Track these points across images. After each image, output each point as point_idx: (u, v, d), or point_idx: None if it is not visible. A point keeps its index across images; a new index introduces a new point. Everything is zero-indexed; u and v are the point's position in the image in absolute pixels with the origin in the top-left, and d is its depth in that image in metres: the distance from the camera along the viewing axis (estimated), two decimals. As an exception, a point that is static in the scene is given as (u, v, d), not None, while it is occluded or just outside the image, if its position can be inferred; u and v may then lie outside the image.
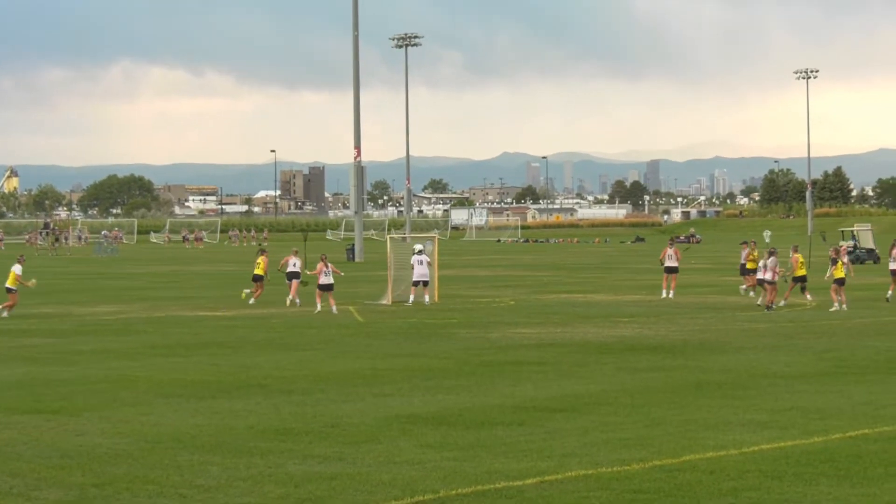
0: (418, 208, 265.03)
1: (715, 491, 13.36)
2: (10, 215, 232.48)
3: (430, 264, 42.59)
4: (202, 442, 16.36)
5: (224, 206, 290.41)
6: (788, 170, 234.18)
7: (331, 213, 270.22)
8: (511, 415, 18.41)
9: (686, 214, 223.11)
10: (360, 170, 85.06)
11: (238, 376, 23.13)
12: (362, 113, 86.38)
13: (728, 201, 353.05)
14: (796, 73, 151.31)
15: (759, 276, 39.71)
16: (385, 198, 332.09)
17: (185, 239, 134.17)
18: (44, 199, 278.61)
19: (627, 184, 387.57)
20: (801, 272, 39.74)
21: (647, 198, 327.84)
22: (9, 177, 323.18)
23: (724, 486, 13.54)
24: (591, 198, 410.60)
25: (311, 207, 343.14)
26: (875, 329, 32.04)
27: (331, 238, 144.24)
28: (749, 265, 43.64)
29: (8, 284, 38.15)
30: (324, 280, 38.85)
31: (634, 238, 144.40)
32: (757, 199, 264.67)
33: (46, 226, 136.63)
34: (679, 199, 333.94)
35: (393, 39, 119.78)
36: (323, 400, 20.01)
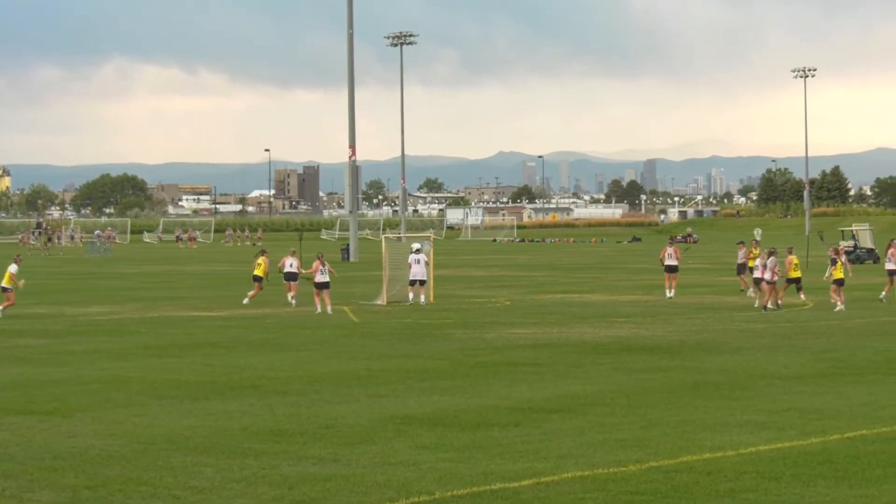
0: (413, 208, 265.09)
1: (712, 492, 13.32)
2: (3, 215, 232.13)
3: (427, 264, 42.52)
4: (196, 443, 16.30)
5: (218, 206, 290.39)
6: (786, 169, 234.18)
7: (325, 213, 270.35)
8: (507, 416, 18.35)
9: (683, 214, 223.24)
10: (354, 169, 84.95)
11: (232, 377, 23.06)
12: (357, 112, 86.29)
13: (725, 201, 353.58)
14: (794, 71, 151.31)
15: (757, 275, 39.67)
16: (380, 197, 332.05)
17: (178, 239, 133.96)
18: (36, 199, 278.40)
19: (624, 183, 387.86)
20: (796, 274, 39.64)
21: (643, 197, 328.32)
22: (0, 176, 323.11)
23: (722, 488, 13.49)
24: (587, 197, 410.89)
25: (305, 207, 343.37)
26: (873, 329, 31.98)
27: (325, 238, 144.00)
28: (751, 264, 43.59)
29: (4, 283, 38.19)
30: (320, 278, 38.81)
31: (631, 238, 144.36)
32: (754, 198, 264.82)
33: (39, 225, 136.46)
34: (676, 199, 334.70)
35: (388, 38, 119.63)
36: (317, 401, 19.95)
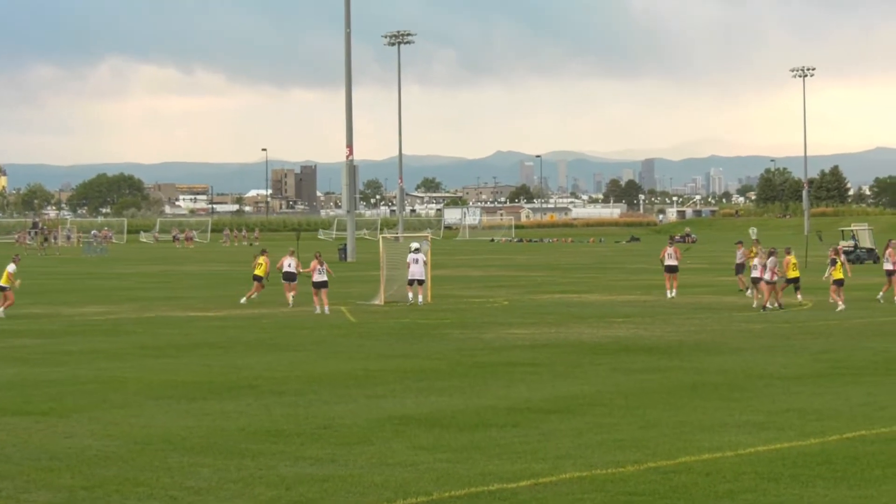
0: (411, 207, 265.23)
1: (711, 493, 13.28)
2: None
3: (425, 263, 42.49)
4: (193, 443, 16.25)
5: (215, 206, 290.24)
6: (785, 169, 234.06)
7: (323, 213, 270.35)
8: (505, 416, 18.31)
9: (681, 214, 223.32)
10: (352, 169, 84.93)
11: (229, 377, 23.01)
12: (355, 111, 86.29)
13: (724, 200, 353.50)
14: (793, 70, 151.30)
15: (755, 274, 39.64)
16: (377, 197, 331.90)
17: (175, 238, 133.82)
18: (32, 199, 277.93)
19: (622, 183, 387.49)
20: (794, 274, 39.63)
21: (642, 197, 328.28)
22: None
23: (720, 489, 13.46)
24: (585, 197, 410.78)
25: (302, 207, 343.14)
26: (872, 330, 31.95)
27: (323, 238, 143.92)
28: (750, 263, 43.50)
29: (1, 283, 38.09)
30: (317, 278, 38.78)
31: (629, 238, 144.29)
32: (753, 198, 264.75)
33: (35, 225, 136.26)
34: (674, 199, 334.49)
35: (385, 37, 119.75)
36: (315, 401, 19.90)
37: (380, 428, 17.34)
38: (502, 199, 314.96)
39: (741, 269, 45.93)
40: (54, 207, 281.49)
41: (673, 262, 44.62)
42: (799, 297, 40.04)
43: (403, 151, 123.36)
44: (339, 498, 13.21)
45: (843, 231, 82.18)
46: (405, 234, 62.46)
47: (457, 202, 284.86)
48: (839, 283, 38.36)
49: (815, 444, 15.95)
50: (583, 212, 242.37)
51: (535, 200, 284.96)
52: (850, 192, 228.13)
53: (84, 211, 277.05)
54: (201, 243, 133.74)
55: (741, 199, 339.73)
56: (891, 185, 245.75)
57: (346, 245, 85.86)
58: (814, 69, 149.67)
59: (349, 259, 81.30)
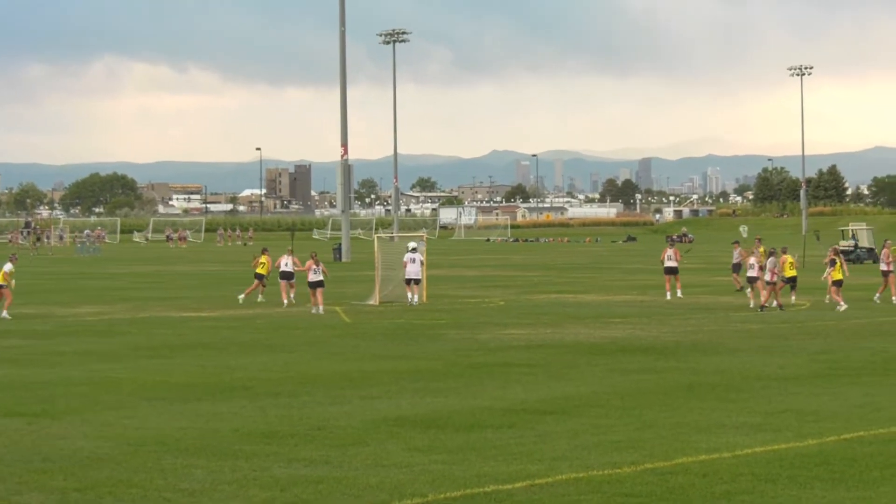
0: (406, 207, 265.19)
1: (708, 494, 13.25)
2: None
3: (422, 263, 42.46)
4: (186, 445, 16.18)
5: (209, 205, 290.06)
6: (782, 168, 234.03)
7: (317, 212, 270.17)
8: (500, 417, 18.25)
9: (678, 213, 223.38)
10: (346, 168, 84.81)
11: (223, 378, 22.93)
12: (349, 110, 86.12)
13: (721, 200, 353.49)
14: (790, 69, 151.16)
15: (751, 274, 39.62)
16: (372, 196, 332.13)
17: (168, 238, 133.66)
18: (25, 198, 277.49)
19: (619, 182, 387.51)
20: (791, 273, 39.59)
21: (638, 196, 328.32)
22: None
23: (717, 490, 13.42)
24: (581, 196, 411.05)
25: (297, 206, 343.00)
26: (870, 330, 31.91)
27: (317, 237, 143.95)
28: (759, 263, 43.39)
29: None
30: (313, 277, 38.77)
31: (626, 237, 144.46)
32: (750, 197, 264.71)
33: (28, 225, 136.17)
34: (671, 198, 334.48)
35: (380, 35, 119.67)
36: (309, 402, 19.83)
37: (375, 429, 17.27)
38: (498, 199, 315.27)
39: (738, 268, 45.92)
40: (47, 207, 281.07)
41: (672, 264, 44.49)
42: (793, 298, 39.96)
43: (398, 150, 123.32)
44: (334, 499, 13.17)
45: (843, 231, 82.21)
46: (400, 234, 62.37)
47: (452, 202, 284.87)
48: (838, 283, 38.29)
49: (812, 445, 15.90)
50: (579, 211, 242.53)
51: (531, 200, 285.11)
52: (848, 192, 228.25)
53: (77, 210, 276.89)
54: (195, 243, 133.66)
55: (738, 198, 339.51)
56: (889, 184, 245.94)
57: (340, 245, 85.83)
58: (811, 68, 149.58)
59: (344, 259, 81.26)
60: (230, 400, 20.13)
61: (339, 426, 17.53)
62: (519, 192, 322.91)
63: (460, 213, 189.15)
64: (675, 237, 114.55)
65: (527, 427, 17.40)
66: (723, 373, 23.37)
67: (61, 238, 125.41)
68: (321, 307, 38.19)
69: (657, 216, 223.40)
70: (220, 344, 29.41)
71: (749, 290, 40.59)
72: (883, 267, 41.54)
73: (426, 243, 47.04)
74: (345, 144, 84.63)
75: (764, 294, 38.17)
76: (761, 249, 41.94)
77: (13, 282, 38.55)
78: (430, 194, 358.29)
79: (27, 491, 13.65)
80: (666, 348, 27.71)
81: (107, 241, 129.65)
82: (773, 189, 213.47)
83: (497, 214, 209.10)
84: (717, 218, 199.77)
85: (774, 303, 38.29)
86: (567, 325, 33.92)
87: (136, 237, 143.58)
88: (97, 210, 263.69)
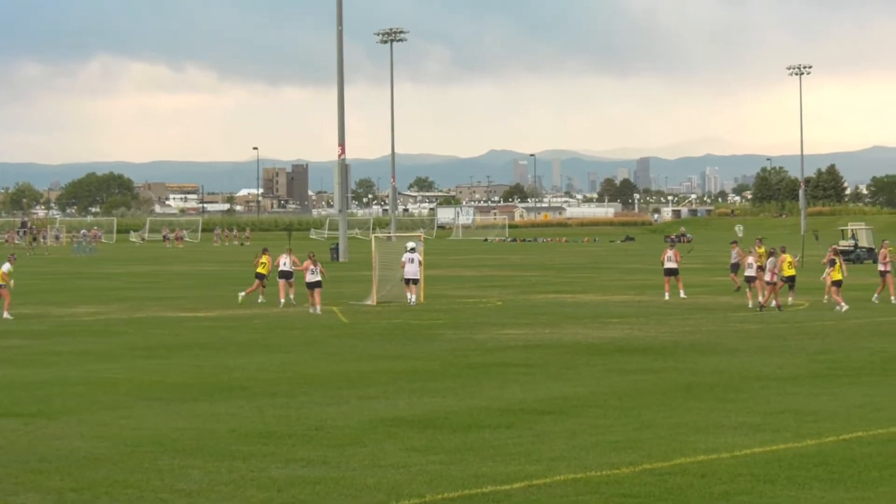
0: (404, 207, 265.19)
1: (706, 495, 13.22)
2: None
3: (420, 263, 42.43)
4: (183, 445, 16.15)
5: (206, 205, 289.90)
6: (781, 168, 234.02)
7: (314, 212, 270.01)
8: (498, 417, 18.21)
9: (677, 213, 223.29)
10: (344, 167, 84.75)
11: (220, 378, 22.88)
12: (346, 109, 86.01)
13: (719, 200, 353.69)
14: (789, 69, 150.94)
15: (749, 273, 39.59)
16: (370, 196, 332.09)
17: (165, 238, 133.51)
18: (21, 198, 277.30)
19: (617, 182, 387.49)
20: (790, 272, 39.56)
21: (636, 196, 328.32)
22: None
23: (716, 490, 13.40)
24: (579, 196, 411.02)
25: (294, 206, 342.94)
26: (869, 330, 31.88)
27: (314, 237, 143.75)
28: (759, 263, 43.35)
29: None
30: (310, 278, 38.72)
31: (624, 237, 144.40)
32: (749, 197, 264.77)
33: (24, 225, 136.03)
34: (670, 198, 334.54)
35: (378, 34, 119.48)
36: (307, 402, 19.79)
37: (372, 429, 17.24)
38: (496, 199, 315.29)
39: (736, 268, 45.90)
40: (43, 207, 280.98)
41: (672, 265, 44.38)
42: (790, 299, 39.90)
43: (396, 150, 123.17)
44: (331, 500, 13.14)
45: (843, 230, 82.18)
46: (398, 234, 62.35)
47: (450, 201, 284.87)
48: (838, 283, 38.23)
49: (811, 445, 15.88)
50: (577, 211, 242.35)
51: (529, 200, 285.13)
52: (847, 192, 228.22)
53: (73, 210, 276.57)
54: (192, 243, 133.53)
55: (737, 198, 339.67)
56: (888, 183, 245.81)
57: (338, 245, 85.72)
58: (810, 67, 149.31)
59: (341, 259, 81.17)
60: (227, 400, 20.08)
61: (336, 426, 17.50)
62: (517, 192, 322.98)
63: (458, 213, 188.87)
64: (673, 237, 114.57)
65: (525, 427, 17.36)
66: (721, 373, 23.33)
67: (57, 238, 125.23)
68: (318, 307, 38.15)
69: (655, 216, 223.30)
70: (217, 344, 29.36)
71: (748, 290, 40.58)
72: (881, 267, 41.61)
73: (423, 243, 47.00)
74: (342, 144, 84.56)
75: (765, 294, 38.11)
76: (762, 250, 41.89)
77: (13, 282, 38.48)
78: (427, 194, 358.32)
79: (24, 491, 13.62)
80: (664, 348, 27.67)
81: (103, 240, 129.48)
82: (772, 189, 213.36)
83: (495, 214, 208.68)
84: (716, 218, 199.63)
85: (773, 303, 38.25)
86: (565, 325, 33.88)
87: (132, 237, 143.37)
88: (94, 210, 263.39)
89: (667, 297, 43.18)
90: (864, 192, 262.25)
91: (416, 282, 42.12)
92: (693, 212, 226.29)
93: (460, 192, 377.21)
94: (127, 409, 19.29)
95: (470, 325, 34.04)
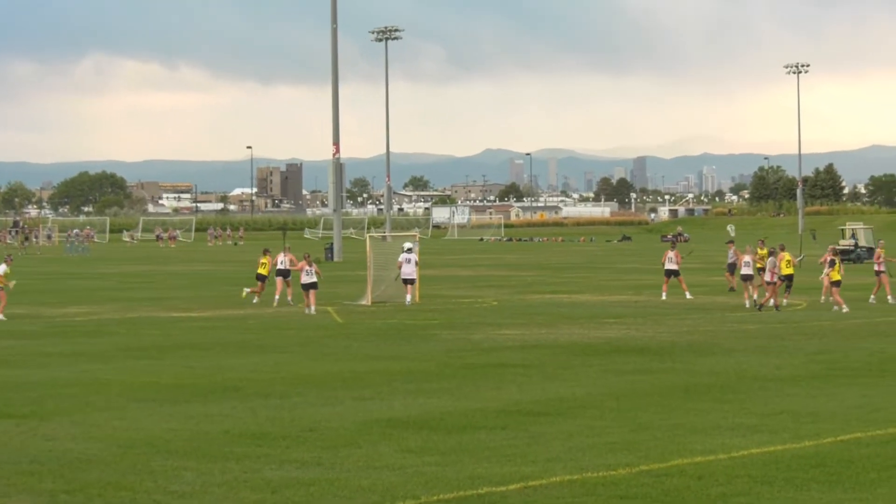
0: (399, 206, 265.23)
1: (703, 496, 13.18)
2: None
3: (417, 263, 42.39)
4: (176, 447, 16.08)
5: (199, 204, 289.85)
6: (779, 167, 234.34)
7: (309, 211, 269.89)
8: (494, 418, 18.15)
9: (674, 212, 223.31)
10: (338, 167, 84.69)
11: (213, 379, 22.80)
12: (341, 108, 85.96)
13: (717, 199, 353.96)
14: (787, 67, 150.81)
15: (745, 271, 39.56)
16: (365, 195, 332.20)
17: (158, 238, 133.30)
18: (13, 197, 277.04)
19: (613, 181, 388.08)
20: (788, 271, 39.52)
21: (633, 195, 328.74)
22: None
23: (713, 492, 13.36)
24: (576, 195, 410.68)
25: (288, 205, 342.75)
26: (867, 330, 31.84)
27: (309, 237, 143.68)
28: (760, 265, 43.25)
29: None
30: (306, 279, 38.61)
31: (621, 237, 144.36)
32: (746, 196, 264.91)
33: (16, 224, 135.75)
34: (666, 197, 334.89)
35: (372, 33, 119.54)
36: (301, 403, 19.72)
37: (367, 430, 17.18)
38: (491, 198, 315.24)
39: (733, 268, 45.85)
40: (35, 206, 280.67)
41: (673, 266, 44.30)
42: (785, 299, 39.80)
43: (391, 149, 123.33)
44: (326, 502, 13.10)
45: (842, 230, 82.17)
46: (393, 234, 62.28)
47: (445, 201, 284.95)
48: (837, 284, 38.15)
49: (809, 446, 15.84)
50: (573, 210, 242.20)
51: (524, 199, 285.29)
52: (845, 191, 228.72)
53: (66, 210, 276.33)
54: (185, 243, 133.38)
55: (734, 197, 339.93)
56: (886, 183, 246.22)
57: (332, 244, 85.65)
58: (808, 65, 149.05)
59: (336, 259, 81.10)
60: (220, 401, 20.01)
61: (331, 427, 17.44)
62: (513, 191, 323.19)
63: (453, 213, 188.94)
64: (670, 236, 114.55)
65: (521, 428, 17.30)
66: (719, 373, 23.28)
67: (50, 237, 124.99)
68: (313, 307, 38.06)
69: (652, 215, 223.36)
70: (210, 344, 29.27)
71: (745, 289, 40.51)
72: (876, 267, 41.60)
73: (419, 243, 46.94)
74: (337, 143, 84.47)
75: (766, 294, 38.05)
76: (764, 251, 41.76)
77: (12, 283, 38.31)
78: (422, 193, 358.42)
79: (16, 493, 13.56)
80: (661, 349, 27.61)
81: (96, 240, 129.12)
82: (770, 188, 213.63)
83: (490, 214, 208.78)
84: (713, 217, 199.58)
85: (772, 302, 38.20)
86: (561, 325, 33.82)
87: (124, 237, 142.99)
88: (86, 209, 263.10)
89: (664, 298, 43.10)
90: (863, 191, 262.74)
91: (412, 282, 42.06)
92: (690, 211, 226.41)
93: (456, 192, 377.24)
94: (119, 410, 19.20)
95: (465, 325, 33.97)
